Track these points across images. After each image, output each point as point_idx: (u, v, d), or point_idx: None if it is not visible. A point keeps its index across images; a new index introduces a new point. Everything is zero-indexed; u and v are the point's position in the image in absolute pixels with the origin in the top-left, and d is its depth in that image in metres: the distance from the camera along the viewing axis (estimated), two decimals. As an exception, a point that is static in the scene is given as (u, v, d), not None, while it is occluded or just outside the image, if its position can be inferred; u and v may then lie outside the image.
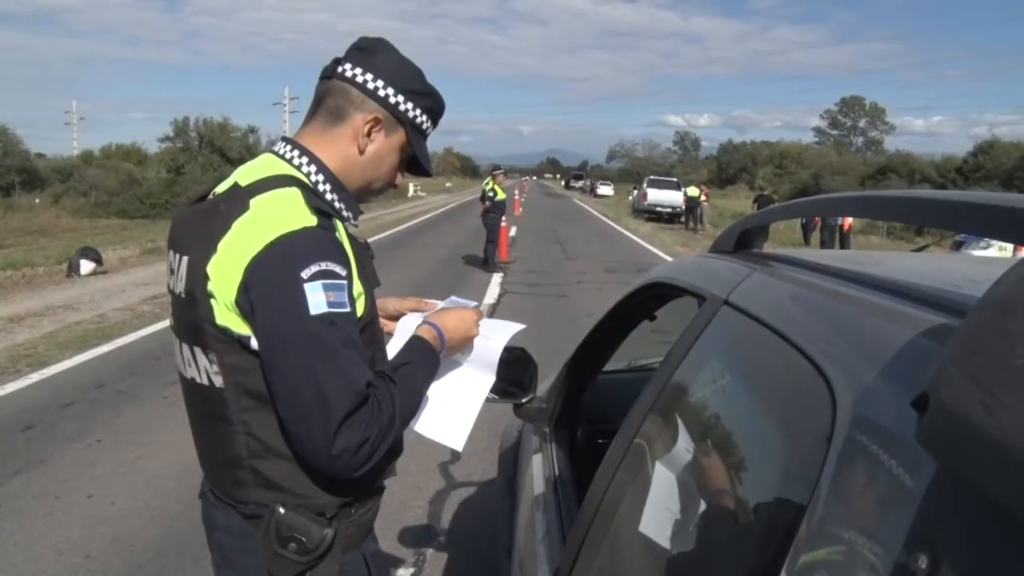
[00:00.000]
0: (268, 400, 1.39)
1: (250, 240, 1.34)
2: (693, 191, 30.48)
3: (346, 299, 1.35)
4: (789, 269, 1.14)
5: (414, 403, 1.49)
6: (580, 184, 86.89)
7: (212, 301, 1.38)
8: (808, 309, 0.93)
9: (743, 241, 1.45)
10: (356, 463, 1.32)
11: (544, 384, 2.47)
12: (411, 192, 53.53)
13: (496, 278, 13.00)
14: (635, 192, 35.80)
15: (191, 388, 1.55)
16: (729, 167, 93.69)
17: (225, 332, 1.39)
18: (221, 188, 1.52)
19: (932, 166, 63.75)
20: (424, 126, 1.62)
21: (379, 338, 1.59)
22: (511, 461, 2.77)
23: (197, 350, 1.47)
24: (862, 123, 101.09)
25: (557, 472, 1.91)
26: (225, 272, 1.36)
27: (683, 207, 32.96)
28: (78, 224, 28.82)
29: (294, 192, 1.40)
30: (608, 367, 2.51)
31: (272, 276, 1.32)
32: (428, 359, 1.54)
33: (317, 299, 1.31)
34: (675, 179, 38.48)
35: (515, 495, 2.62)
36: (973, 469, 0.50)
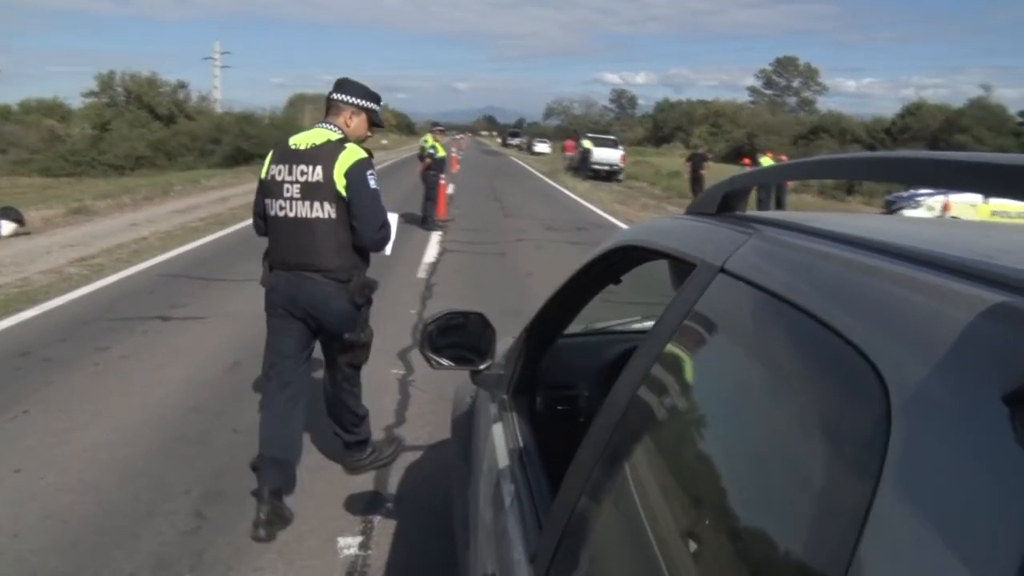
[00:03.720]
0: (348, 223, 3.48)
1: (349, 158, 3.46)
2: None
3: (378, 183, 3.53)
4: (787, 234, 1.06)
5: (388, 235, 3.62)
6: (517, 142, 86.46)
7: (334, 180, 3.42)
8: (830, 281, 0.86)
9: (726, 204, 1.38)
10: (379, 246, 3.58)
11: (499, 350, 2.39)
12: (347, 149, 52.57)
13: (435, 236, 12.84)
14: (579, 149, 35.79)
15: (305, 223, 3.47)
16: (665, 125, 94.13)
17: (338, 193, 3.43)
18: (308, 143, 3.53)
19: (862, 127, 65.19)
20: (373, 107, 3.74)
21: None
22: (465, 427, 2.69)
23: (322, 203, 3.45)
24: (796, 83, 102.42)
25: (521, 443, 1.84)
26: (340, 169, 3.43)
27: (621, 165, 33.17)
28: (-5, 182, 27.59)
29: (355, 145, 3.56)
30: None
31: (358, 172, 3.45)
32: (388, 225, 3.63)
33: (372, 182, 3.50)
34: (613, 137, 38.54)
35: (470, 463, 2.55)
36: None
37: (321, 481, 3.97)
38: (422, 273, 9.86)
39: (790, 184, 21.84)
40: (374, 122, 3.74)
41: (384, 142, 74.44)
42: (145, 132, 37.49)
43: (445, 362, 2.23)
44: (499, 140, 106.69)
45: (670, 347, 1.09)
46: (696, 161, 25.91)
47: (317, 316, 3.57)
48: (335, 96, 3.65)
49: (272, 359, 3.67)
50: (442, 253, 11.34)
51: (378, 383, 5.52)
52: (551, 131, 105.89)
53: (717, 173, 29.41)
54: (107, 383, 5.26)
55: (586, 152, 33.70)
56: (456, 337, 2.24)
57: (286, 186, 3.47)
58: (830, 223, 1.12)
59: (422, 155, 14.43)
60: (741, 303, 1.00)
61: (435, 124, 15.18)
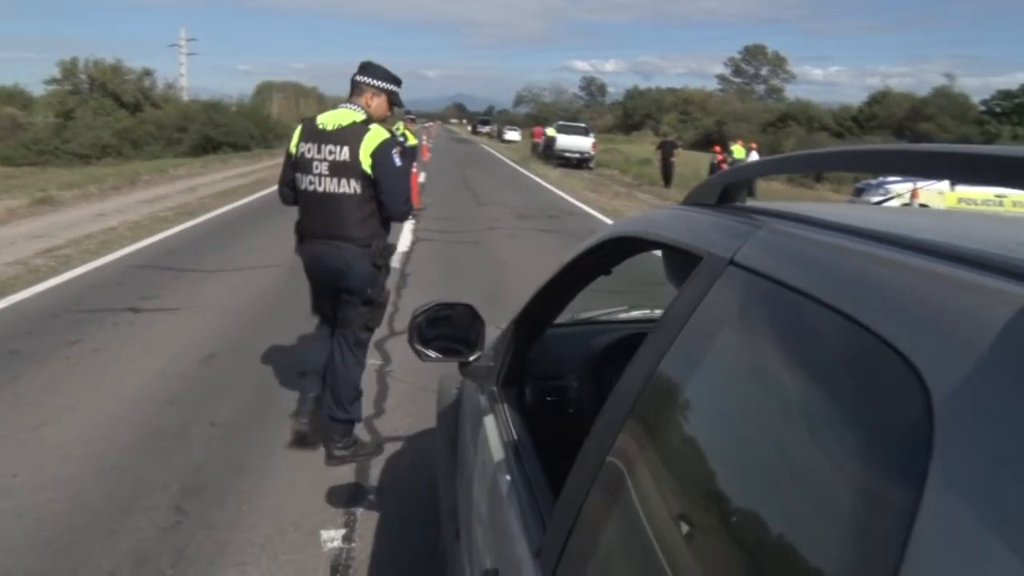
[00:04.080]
0: (372, 198, 3.85)
1: (374, 139, 3.78)
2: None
3: (403, 161, 3.87)
4: (796, 227, 1.05)
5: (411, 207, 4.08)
6: (487, 129, 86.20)
7: (360, 160, 3.76)
8: (855, 277, 0.84)
9: (726, 195, 1.36)
10: (405, 213, 4.02)
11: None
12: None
13: (408, 225, 12.74)
14: (546, 135, 36.70)
15: (332, 197, 3.85)
16: (635, 113, 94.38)
17: (363, 172, 3.78)
18: (334, 123, 3.87)
19: (830, 114, 65.92)
20: (395, 89, 4.04)
21: None
22: (452, 419, 2.67)
23: (348, 180, 3.81)
24: (764, 71, 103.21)
25: (515, 436, 1.82)
26: (366, 150, 3.76)
27: (592, 153, 33.30)
28: (-46, 172, 26.99)
29: (378, 126, 3.87)
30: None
31: (383, 152, 3.78)
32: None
33: (398, 160, 3.83)
34: (584, 125, 38.59)
35: (457, 454, 2.53)
36: None
37: (301, 474, 3.93)
38: (395, 263, 9.77)
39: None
40: (394, 102, 4.06)
41: (353, 130, 73.86)
42: (110, 120, 36.88)
43: (433, 354, 2.20)
44: (469, 128, 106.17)
45: (680, 340, 1.07)
46: (666, 149, 26.23)
47: (341, 279, 4.00)
48: (358, 78, 3.96)
49: (317, 316, 4.33)
50: (415, 242, 11.28)
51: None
52: (521, 119, 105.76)
53: (687, 161, 29.60)
54: (79, 377, 5.16)
55: (551, 139, 34.72)
56: (444, 329, 2.22)
57: (315, 163, 3.86)
58: (834, 215, 1.11)
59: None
60: (756, 296, 0.98)
61: (407, 112, 15.06)
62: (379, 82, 3.95)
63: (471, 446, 2.17)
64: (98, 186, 17.08)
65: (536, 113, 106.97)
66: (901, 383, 0.66)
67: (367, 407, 4.85)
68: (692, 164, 30.03)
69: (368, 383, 5.26)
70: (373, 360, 5.78)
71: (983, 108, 64.16)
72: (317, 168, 3.85)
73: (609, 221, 15.36)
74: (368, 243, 3.92)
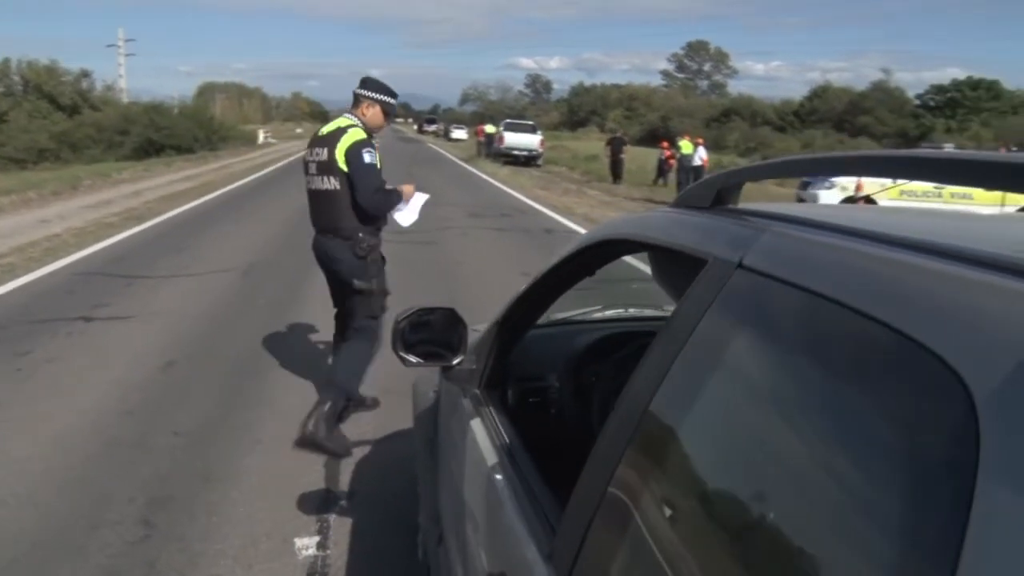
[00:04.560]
0: (350, 193, 4.31)
1: (348, 140, 4.29)
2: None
3: (375, 159, 4.30)
4: (803, 230, 1.08)
5: (390, 201, 4.48)
6: (433, 128, 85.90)
7: (337, 159, 4.27)
8: (875, 279, 0.87)
9: (719, 198, 1.38)
10: (374, 206, 4.36)
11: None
12: (261, 139, 51.34)
13: (361, 227, 12.67)
14: (486, 133, 37.44)
15: (320, 193, 4.41)
16: (580, 109, 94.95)
17: (340, 169, 4.28)
18: (329, 129, 4.47)
19: (772, 109, 67.01)
20: (388, 100, 4.54)
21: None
22: (430, 422, 2.67)
23: (330, 177, 4.33)
24: (707, 67, 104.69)
25: (507, 438, 1.82)
26: (341, 150, 4.27)
27: (540, 151, 33.46)
28: None
29: (358, 128, 4.38)
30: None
31: (354, 151, 4.27)
32: (395, 195, 4.52)
33: (367, 157, 4.27)
34: (532, 123, 38.68)
35: (438, 458, 2.53)
36: None
37: (270, 482, 3.89)
38: (351, 264, 9.73)
39: (707, 165, 22.37)
40: (387, 112, 4.57)
41: (298, 131, 73.21)
42: (47, 123, 35.86)
43: (414, 359, 2.20)
44: (415, 127, 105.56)
45: (692, 342, 1.09)
46: (616, 145, 26.67)
47: (333, 268, 4.53)
48: (357, 90, 4.53)
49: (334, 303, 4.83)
50: (369, 243, 11.19)
51: (319, 379, 5.43)
52: (467, 117, 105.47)
53: (633, 156, 29.84)
54: (32, 389, 5.03)
55: (490, 136, 36.04)
56: (426, 333, 2.22)
57: (309, 164, 4.49)
58: (833, 217, 1.14)
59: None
60: (772, 299, 1.00)
61: (356, 113, 14.95)
62: (373, 94, 4.50)
63: (457, 449, 2.17)
64: (37, 191, 16.62)
65: (482, 111, 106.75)
66: (940, 383, 0.69)
67: (332, 412, 4.82)
68: (639, 160, 30.30)
69: (332, 387, 5.23)
70: (335, 364, 5.75)
71: (918, 102, 65.97)
72: (311, 169, 4.47)
73: (560, 218, 15.45)
74: (350, 236, 4.38)
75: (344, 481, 3.97)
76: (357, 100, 4.51)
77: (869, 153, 1.13)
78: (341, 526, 3.53)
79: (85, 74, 41.38)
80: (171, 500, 3.66)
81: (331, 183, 4.35)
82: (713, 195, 1.39)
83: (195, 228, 12.34)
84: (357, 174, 4.28)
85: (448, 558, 2.22)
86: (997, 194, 13.96)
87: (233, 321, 6.88)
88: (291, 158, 34.85)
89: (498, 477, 1.69)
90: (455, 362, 2.17)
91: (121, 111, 38.99)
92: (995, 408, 0.63)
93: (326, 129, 4.49)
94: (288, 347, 6.17)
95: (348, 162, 4.28)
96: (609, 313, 2.86)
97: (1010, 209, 13.65)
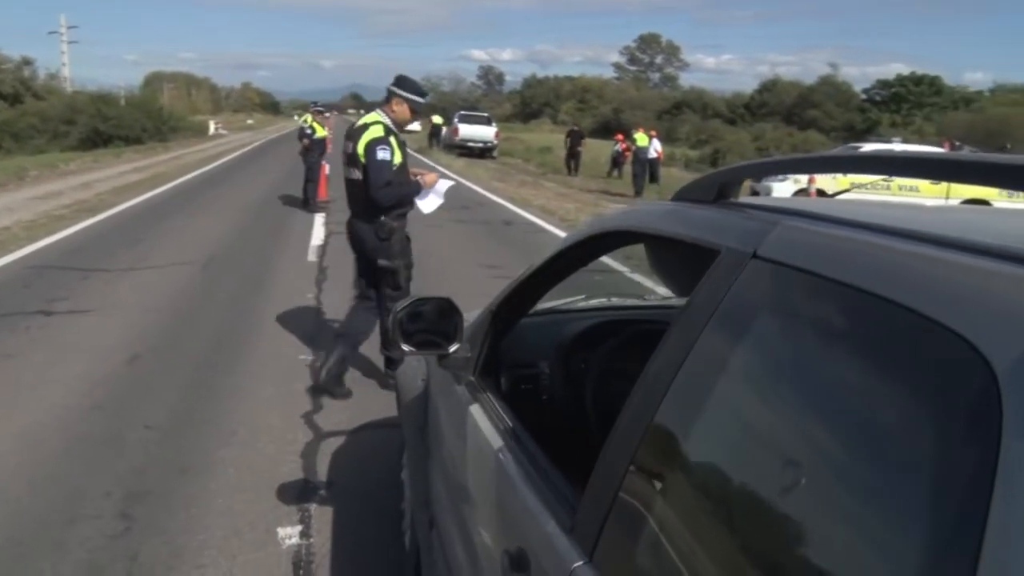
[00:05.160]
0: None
1: (367, 136, 4.74)
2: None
3: (390, 155, 4.72)
4: (812, 223, 1.14)
5: (407, 190, 4.90)
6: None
7: (359, 153, 4.73)
8: (891, 267, 0.93)
9: (722, 192, 1.44)
10: (384, 198, 4.75)
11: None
12: (212, 130, 50.51)
13: (319, 218, 12.60)
14: (432, 123, 38.15)
15: (350, 182, 4.93)
16: (533, 101, 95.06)
17: (361, 162, 4.72)
18: (360, 124, 4.93)
19: (723, 102, 67.75)
20: (417, 100, 4.94)
21: (407, 173, 4.94)
22: (419, 410, 2.71)
23: (355, 169, 4.80)
24: (659, 60, 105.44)
25: (509, 422, 1.87)
26: (362, 145, 4.72)
27: (495, 142, 33.51)
28: None
29: (380, 124, 4.82)
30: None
31: (370, 147, 4.70)
32: (415, 185, 4.96)
33: (380, 154, 4.69)
34: (487, 114, 38.67)
35: (431, 445, 2.57)
36: None
37: (247, 473, 3.88)
38: (312, 256, 9.70)
39: (663, 155, 22.66)
40: (415, 110, 4.99)
41: (249, 122, 72.22)
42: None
43: (407, 348, 2.24)
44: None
45: (709, 329, 1.15)
46: (574, 138, 27.24)
47: (360, 247, 5.06)
48: (390, 87, 4.98)
49: (357, 279, 5.24)
50: (329, 235, 11.12)
51: (287, 369, 5.44)
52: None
53: (587, 148, 30.03)
54: (2, 382, 4.95)
55: (437, 127, 37.00)
56: (421, 323, 2.25)
57: (344, 156, 4.98)
58: (838, 210, 1.21)
59: (301, 135, 14.14)
60: (790, 288, 1.06)
61: (314, 103, 14.86)
62: (402, 92, 4.91)
63: (454, 434, 2.22)
64: (-18, 183, 16.21)
65: (435, 103, 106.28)
66: (962, 359, 0.75)
67: (303, 402, 4.85)
68: (592, 152, 30.52)
69: (301, 378, 5.26)
70: (304, 356, 5.75)
71: (864, 97, 67.35)
72: (344, 160, 4.97)
73: (519, 210, 15.51)
74: (372, 220, 4.89)
75: (322, 471, 3.98)
76: (389, 96, 4.96)
77: (869, 153, 1.19)
78: (322, 515, 3.55)
79: (27, 62, 40.47)
80: (149, 494, 3.64)
81: (356, 174, 4.84)
82: (716, 190, 1.45)
83: (150, 220, 12.15)
84: (369, 169, 4.72)
85: (442, 541, 2.26)
86: (942, 187, 14.38)
87: (197, 313, 6.81)
88: (244, 149, 34.41)
89: (506, 458, 1.74)
90: (452, 350, 2.21)
91: (66, 100, 38.08)
92: (1016, 379, 0.70)
93: (358, 123, 4.98)
94: (254, 339, 6.14)
95: (365, 156, 4.73)
96: (593, 302, 2.92)
97: (954, 202, 14.08)
